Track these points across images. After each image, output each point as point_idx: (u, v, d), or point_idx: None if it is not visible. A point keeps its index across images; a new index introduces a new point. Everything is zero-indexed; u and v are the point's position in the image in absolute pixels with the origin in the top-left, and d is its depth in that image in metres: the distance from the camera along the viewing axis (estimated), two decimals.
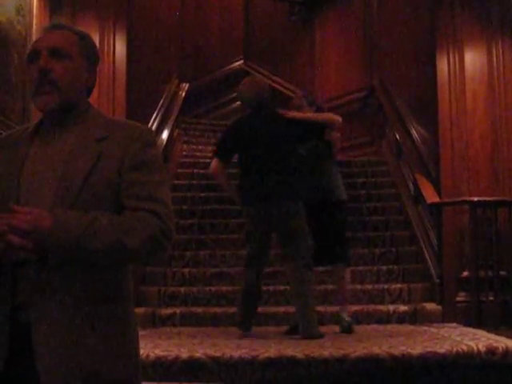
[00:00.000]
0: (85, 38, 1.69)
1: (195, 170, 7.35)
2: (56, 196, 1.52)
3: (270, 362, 3.33)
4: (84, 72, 1.66)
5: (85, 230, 1.46)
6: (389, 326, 4.72)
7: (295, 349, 3.49)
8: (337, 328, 4.48)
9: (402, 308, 4.95)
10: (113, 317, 1.57)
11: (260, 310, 4.58)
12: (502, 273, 4.84)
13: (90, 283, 1.53)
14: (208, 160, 7.44)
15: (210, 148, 8.55)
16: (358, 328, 4.52)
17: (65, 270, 1.51)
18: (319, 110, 4.85)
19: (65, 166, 1.55)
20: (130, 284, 1.66)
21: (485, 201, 4.89)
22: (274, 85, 9.10)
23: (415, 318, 4.88)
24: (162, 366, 3.34)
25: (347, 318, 4.45)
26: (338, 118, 4.51)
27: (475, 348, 3.47)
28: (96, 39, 5.11)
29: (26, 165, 1.59)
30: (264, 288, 4.96)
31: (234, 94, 8.62)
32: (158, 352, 3.43)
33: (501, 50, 5.16)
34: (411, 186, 6.14)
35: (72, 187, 1.53)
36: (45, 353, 1.48)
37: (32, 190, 1.55)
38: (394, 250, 5.80)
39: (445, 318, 4.88)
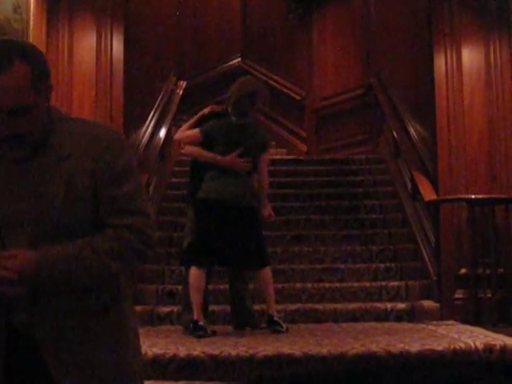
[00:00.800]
0: (34, 57, 1.51)
1: None
2: (35, 228, 1.52)
3: (268, 360, 3.33)
4: (43, 103, 1.54)
5: (70, 267, 1.49)
6: (387, 324, 4.72)
7: (293, 347, 3.49)
8: (334, 326, 4.48)
9: (400, 306, 4.95)
10: (111, 325, 1.59)
11: (259, 308, 4.60)
12: (500, 270, 4.84)
13: (85, 295, 1.56)
14: None
15: None
16: (355, 325, 4.52)
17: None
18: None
19: (37, 195, 1.52)
20: (127, 289, 1.68)
21: (482, 198, 4.89)
22: (271, 83, 9.10)
23: (413, 315, 4.88)
24: (159, 364, 3.34)
25: (276, 318, 4.25)
26: (179, 137, 4.79)
27: (473, 345, 3.48)
28: (93, 38, 5.12)
29: None
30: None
31: None
32: (156, 350, 3.43)
33: (498, 48, 5.15)
34: (409, 183, 6.14)
35: (49, 218, 1.52)
36: (55, 364, 1.52)
37: (10, 224, 1.53)
38: (391, 247, 5.80)
39: (443, 315, 4.88)
